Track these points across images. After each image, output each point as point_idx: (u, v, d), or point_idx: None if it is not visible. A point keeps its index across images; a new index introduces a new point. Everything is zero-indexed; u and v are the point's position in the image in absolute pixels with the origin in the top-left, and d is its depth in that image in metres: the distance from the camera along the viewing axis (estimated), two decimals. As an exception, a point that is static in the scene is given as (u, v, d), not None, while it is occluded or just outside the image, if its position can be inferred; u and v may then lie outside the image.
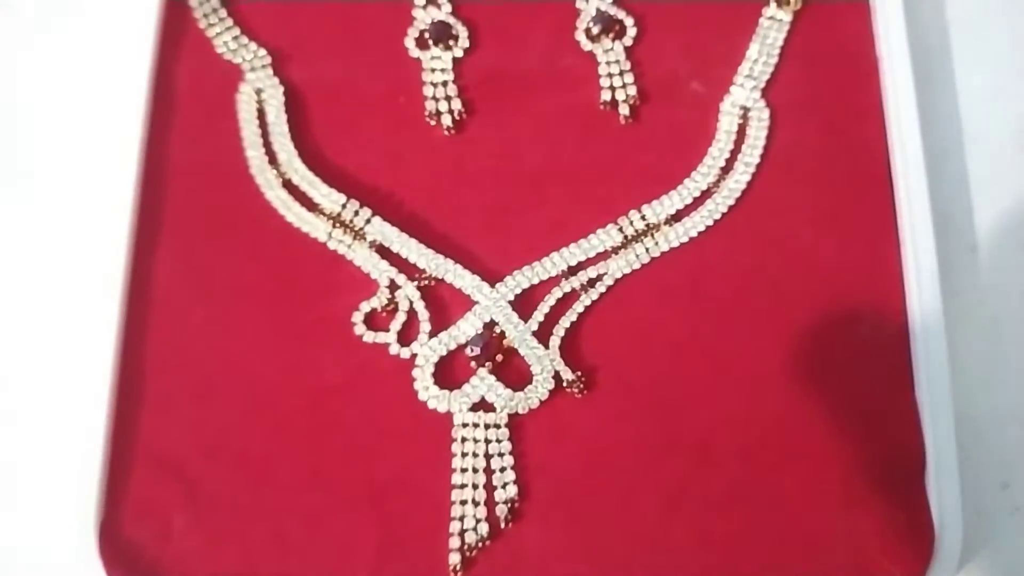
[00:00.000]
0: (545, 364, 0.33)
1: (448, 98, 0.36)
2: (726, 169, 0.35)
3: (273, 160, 0.35)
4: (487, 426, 0.32)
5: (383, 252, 0.34)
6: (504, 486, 0.32)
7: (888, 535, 0.31)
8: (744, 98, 0.36)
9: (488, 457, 0.32)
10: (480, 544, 0.31)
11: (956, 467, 0.32)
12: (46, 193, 0.37)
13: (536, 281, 0.34)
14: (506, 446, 0.32)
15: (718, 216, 0.35)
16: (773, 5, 0.37)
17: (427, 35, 0.37)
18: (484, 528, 0.31)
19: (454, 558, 0.31)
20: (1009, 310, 0.36)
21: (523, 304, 0.34)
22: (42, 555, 0.33)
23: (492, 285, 0.34)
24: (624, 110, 0.36)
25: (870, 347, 0.33)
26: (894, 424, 0.33)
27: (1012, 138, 0.38)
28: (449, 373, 0.33)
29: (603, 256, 0.34)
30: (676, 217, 0.35)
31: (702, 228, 0.35)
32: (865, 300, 0.34)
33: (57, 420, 0.34)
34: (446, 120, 0.36)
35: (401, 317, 0.33)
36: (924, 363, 0.33)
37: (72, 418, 0.34)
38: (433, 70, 0.36)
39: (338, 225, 0.34)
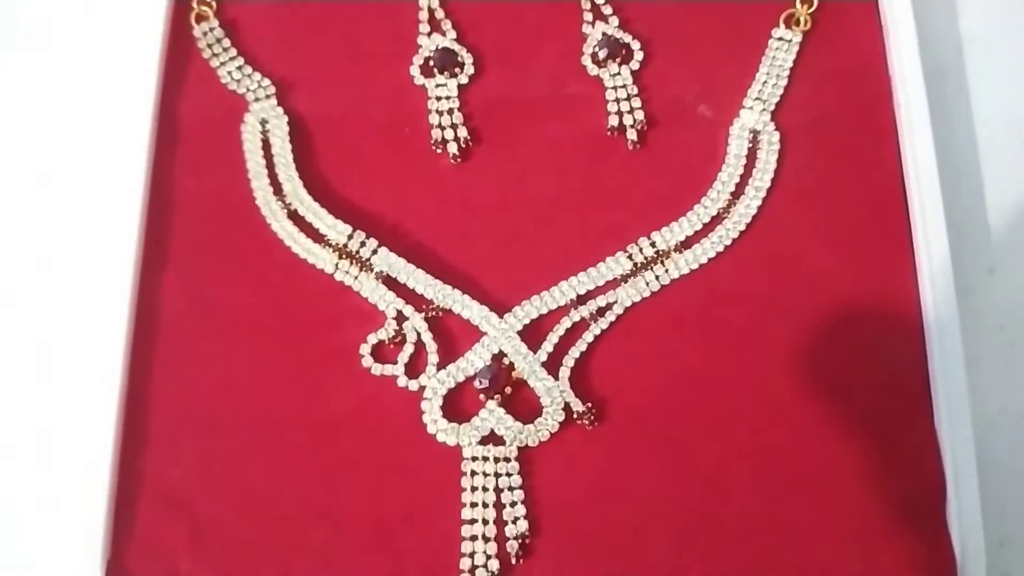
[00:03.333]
0: (555, 396, 0.32)
1: (454, 126, 0.36)
2: (736, 194, 0.35)
3: (278, 191, 0.35)
4: (497, 459, 0.32)
5: (390, 283, 0.34)
6: (515, 521, 0.31)
7: (907, 568, 0.31)
8: (754, 121, 0.35)
9: (498, 491, 0.32)
10: (491, 581, 0.31)
11: (977, 497, 0.31)
12: (52, 225, 0.37)
13: (545, 311, 0.33)
14: (516, 480, 0.32)
15: (729, 242, 0.34)
16: (782, 26, 0.37)
17: (432, 62, 0.36)
18: (495, 564, 0.31)
19: (465, 595, 0.31)
20: (1029, 333, 0.35)
21: (532, 334, 0.33)
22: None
23: (500, 315, 0.33)
24: (632, 135, 0.35)
25: (887, 374, 0.33)
26: (913, 453, 0.32)
27: (1029, 155, 0.38)
28: (458, 405, 0.33)
29: (612, 284, 0.34)
30: (686, 243, 0.34)
31: (713, 254, 0.34)
32: (882, 325, 0.33)
33: (64, 457, 0.34)
34: (452, 148, 0.35)
35: (409, 349, 0.33)
36: (943, 389, 0.32)
37: (79, 455, 0.33)
38: (438, 98, 0.36)
39: (344, 256, 0.34)
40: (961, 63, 0.39)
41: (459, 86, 0.36)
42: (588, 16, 0.37)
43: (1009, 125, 0.38)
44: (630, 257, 0.34)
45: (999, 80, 0.39)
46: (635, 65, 0.36)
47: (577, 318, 0.33)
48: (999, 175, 0.37)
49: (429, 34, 0.37)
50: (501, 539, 0.31)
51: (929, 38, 0.38)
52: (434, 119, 0.36)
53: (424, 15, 0.37)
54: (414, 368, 0.33)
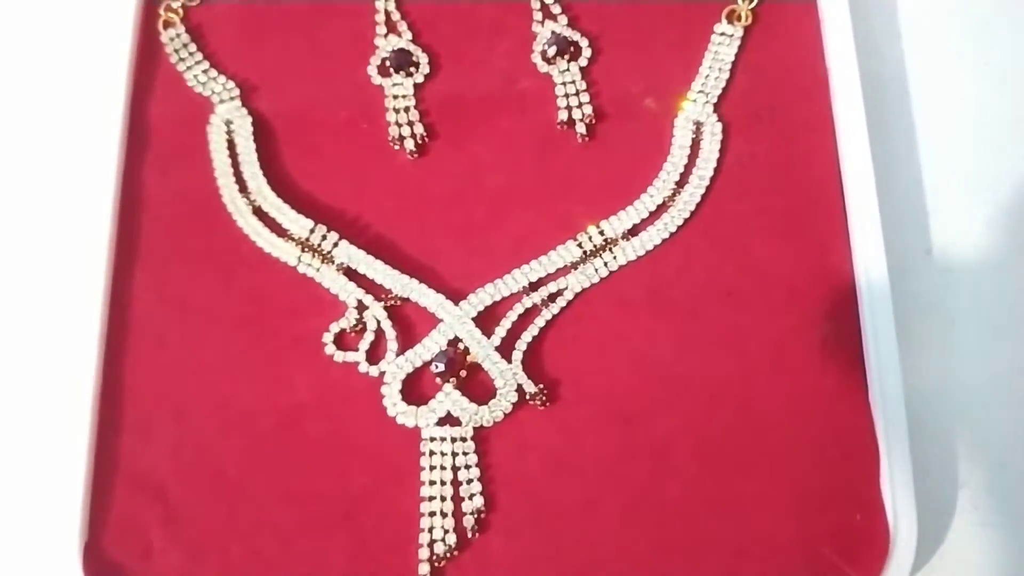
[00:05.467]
0: (508, 378, 0.34)
1: (410, 123, 0.37)
2: (681, 183, 0.36)
3: (243, 188, 0.36)
4: (454, 440, 0.33)
5: (351, 274, 0.35)
6: (471, 497, 0.33)
7: (844, 537, 0.32)
8: (697, 113, 0.37)
9: (455, 470, 0.33)
10: (448, 554, 0.32)
11: (910, 468, 0.33)
12: (24, 225, 0.38)
13: (498, 298, 0.35)
14: (472, 458, 0.33)
15: (674, 229, 0.36)
16: (724, 21, 0.38)
17: (388, 63, 0.38)
18: (452, 538, 0.32)
19: (423, 568, 0.32)
20: (964, 310, 0.37)
21: (486, 320, 0.35)
22: (26, 577, 0.34)
23: (456, 303, 0.35)
24: (581, 129, 0.37)
25: (824, 353, 0.34)
26: (848, 427, 0.33)
27: (965, 141, 0.39)
28: (417, 389, 0.34)
29: (563, 271, 0.35)
30: (633, 231, 0.36)
31: (659, 241, 0.36)
32: (819, 307, 0.35)
33: (41, 446, 0.35)
34: (409, 144, 0.37)
35: (369, 336, 0.35)
36: (876, 366, 0.34)
37: (56, 443, 0.35)
38: (395, 96, 0.37)
39: (307, 249, 0.35)
40: (900, 51, 0.40)
41: (415, 85, 0.38)
42: (538, 15, 0.38)
43: (947, 110, 0.39)
44: (580, 245, 0.35)
45: (937, 66, 0.40)
46: (583, 61, 0.38)
47: (529, 304, 0.35)
48: (936, 159, 0.39)
49: (386, 35, 0.38)
50: (458, 515, 0.33)
51: (867, 26, 0.39)
52: (391, 117, 0.37)
53: (381, 17, 0.38)
54: (375, 354, 0.34)
